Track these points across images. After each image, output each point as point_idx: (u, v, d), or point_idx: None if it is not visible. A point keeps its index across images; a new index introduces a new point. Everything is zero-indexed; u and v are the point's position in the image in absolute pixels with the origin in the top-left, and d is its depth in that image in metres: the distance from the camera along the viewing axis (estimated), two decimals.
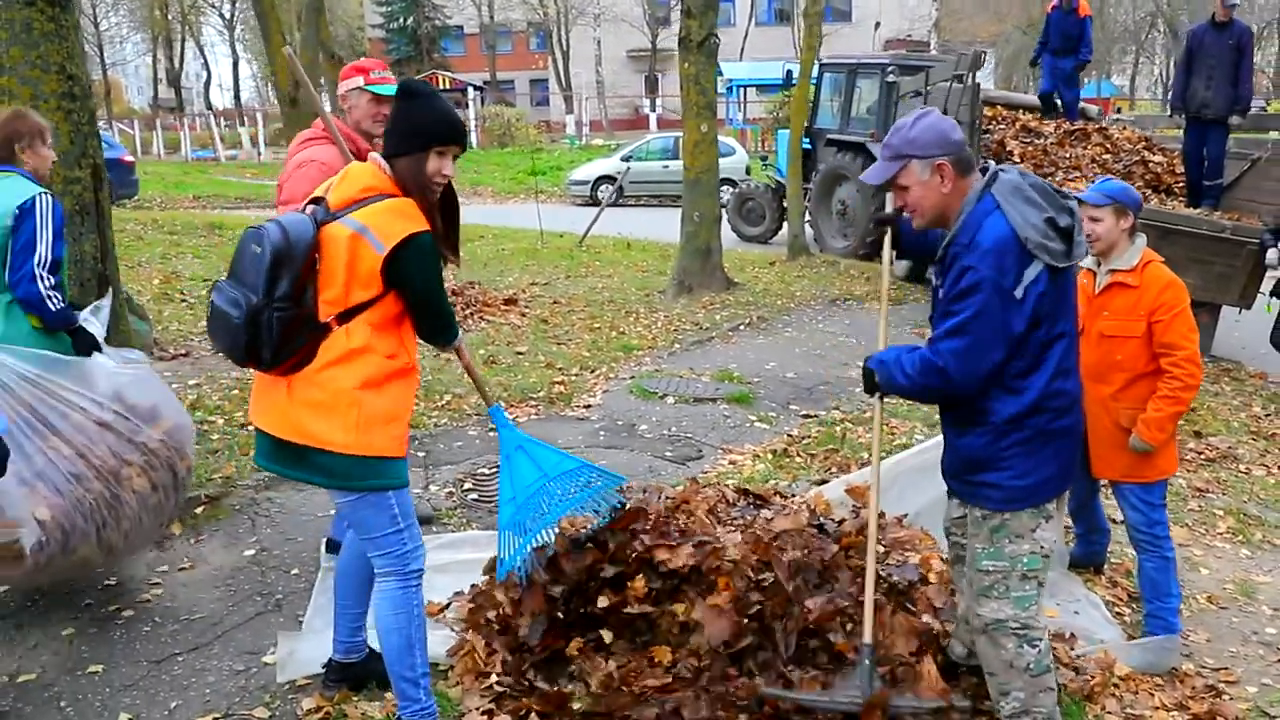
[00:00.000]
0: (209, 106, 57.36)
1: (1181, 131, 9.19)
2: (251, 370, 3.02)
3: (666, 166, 24.91)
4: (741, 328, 10.28)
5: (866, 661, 3.20)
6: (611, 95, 51.17)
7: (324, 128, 4.07)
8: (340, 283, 2.89)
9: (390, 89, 4.24)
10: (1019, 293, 2.78)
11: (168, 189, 24.74)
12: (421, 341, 3.20)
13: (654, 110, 47.18)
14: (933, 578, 4.00)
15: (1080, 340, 3.83)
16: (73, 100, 5.16)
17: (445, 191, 3.12)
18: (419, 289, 2.98)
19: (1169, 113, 9.61)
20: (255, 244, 2.87)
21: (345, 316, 2.92)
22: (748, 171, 23.87)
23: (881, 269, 3.68)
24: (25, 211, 3.81)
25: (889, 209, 3.58)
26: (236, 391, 6.97)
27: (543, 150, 34.17)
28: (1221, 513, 5.61)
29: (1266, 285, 8.27)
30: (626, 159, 25.21)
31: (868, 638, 3.23)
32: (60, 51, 5.07)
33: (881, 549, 4.07)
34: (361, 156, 4.37)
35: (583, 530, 3.78)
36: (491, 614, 3.69)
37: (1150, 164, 9.32)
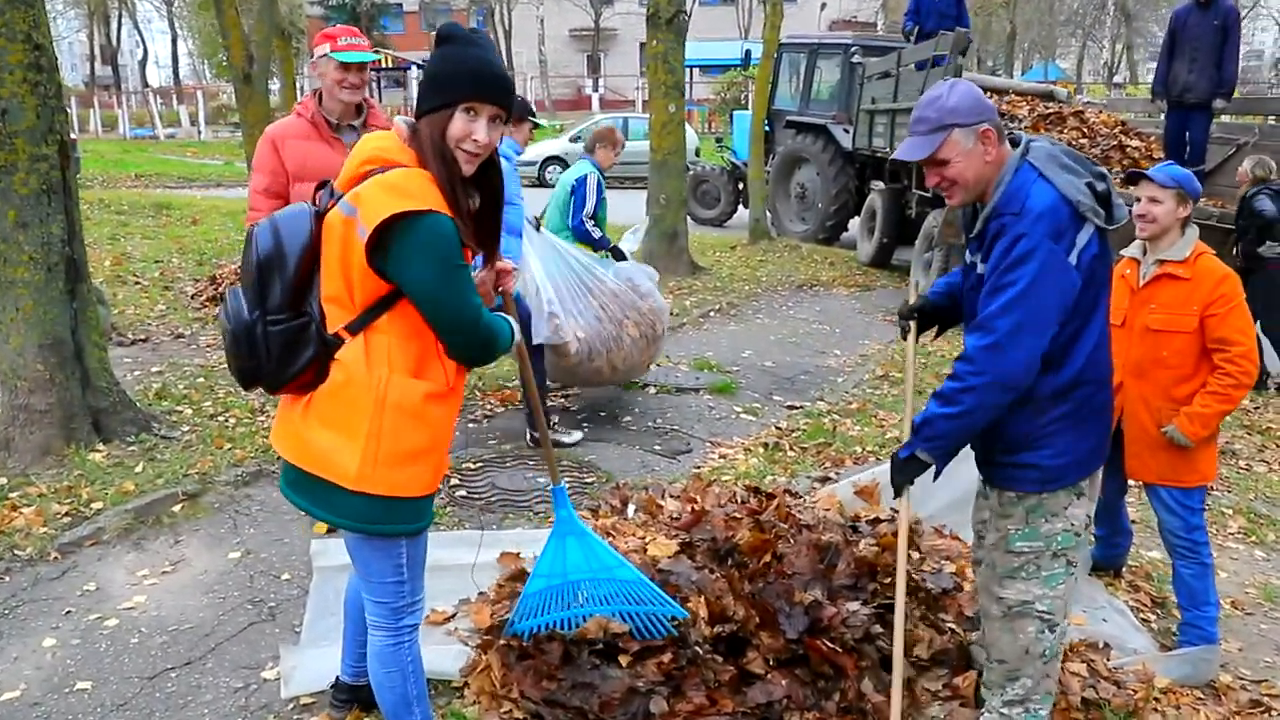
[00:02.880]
0: (146, 84, 55.80)
1: (1163, 116, 9.04)
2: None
3: None
4: (712, 314, 10.09)
5: None
6: (554, 75, 50.61)
7: (301, 101, 4.29)
8: (339, 283, 2.42)
9: (356, 56, 4.14)
10: (1073, 258, 2.63)
11: (108, 168, 23.90)
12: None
13: (597, 90, 46.69)
14: (968, 586, 3.86)
15: (1121, 334, 3.71)
16: (39, 72, 4.75)
17: (486, 167, 2.54)
18: (418, 287, 2.36)
19: (1151, 98, 9.43)
20: (249, 247, 2.49)
21: (357, 325, 2.43)
22: (697, 153, 23.66)
23: (905, 365, 3.51)
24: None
25: (912, 297, 3.45)
26: (202, 380, 6.66)
27: None
28: (1230, 512, 5.50)
29: None
30: (575, 139, 24.85)
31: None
32: (26, 19, 4.67)
33: (916, 555, 3.91)
34: (315, 123, 4.27)
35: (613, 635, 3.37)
36: (505, 640, 3.43)
37: (1128, 149, 9.20)
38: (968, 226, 2.91)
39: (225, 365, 6.84)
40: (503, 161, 5.39)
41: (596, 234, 6.59)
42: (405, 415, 2.44)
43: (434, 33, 2.57)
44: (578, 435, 6.20)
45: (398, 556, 2.61)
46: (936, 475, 2.94)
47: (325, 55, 4.09)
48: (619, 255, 6.67)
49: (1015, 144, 2.79)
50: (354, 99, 4.24)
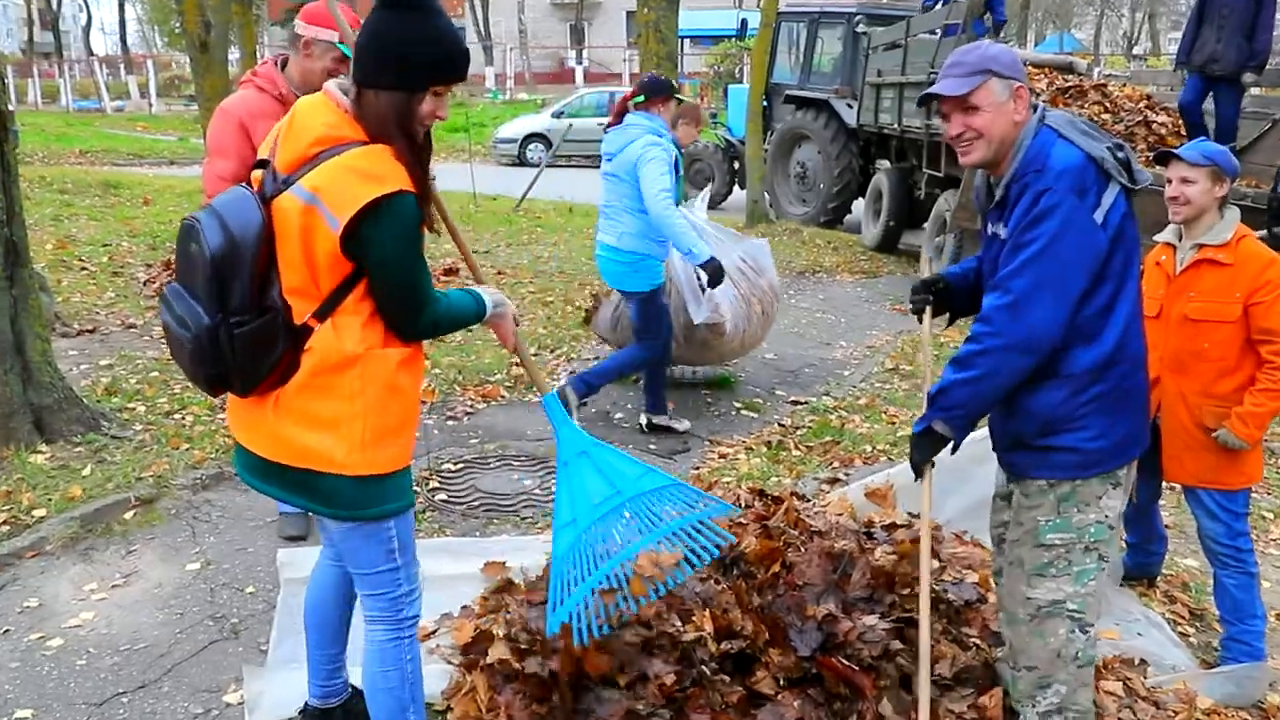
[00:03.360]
0: (90, 52, 55.31)
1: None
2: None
3: (602, 124, 24.43)
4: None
5: None
6: (534, 46, 50.34)
7: (254, 70, 4.11)
8: (302, 272, 2.41)
9: None
10: (1099, 216, 2.63)
11: (49, 142, 23.67)
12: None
13: (580, 63, 46.50)
14: (992, 597, 3.79)
15: (1157, 325, 3.65)
16: None
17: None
18: (387, 267, 2.40)
19: (1174, 68, 9.27)
20: (193, 242, 2.38)
21: (325, 311, 2.43)
22: None
23: (922, 341, 3.46)
24: None
25: (925, 272, 3.43)
26: (156, 374, 6.54)
27: (463, 105, 33.39)
28: (1272, 516, 5.45)
29: None
30: (558, 115, 24.74)
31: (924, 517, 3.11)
32: None
33: (937, 564, 3.84)
34: (285, 102, 3.95)
35: (667, 579, 3.15)
36: (494, 659, 3.34)
37: (1153, 125, 9.13)
38: (987, 197, 2.91)
39: None
40: (652, 138, 5.51)
41: None
42: (385, 389, 2.49)
43: None
44: (686, 424, 6.27)
45: (388, 541, 2.63)
46: (955, 449, 2.94)
47: (329, 43, 3.91)
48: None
49: (1034, 110, 2.82)
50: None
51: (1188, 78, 8.65)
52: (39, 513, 4.53)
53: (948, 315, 3.36)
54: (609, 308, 6.98)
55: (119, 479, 4.88)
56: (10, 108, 5.14)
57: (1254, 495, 5.52)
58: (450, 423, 6.22)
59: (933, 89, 2.81)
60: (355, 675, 3.14)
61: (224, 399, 2.68)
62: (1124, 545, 4.38)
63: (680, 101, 6.04)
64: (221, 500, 4.86)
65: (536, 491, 5.23)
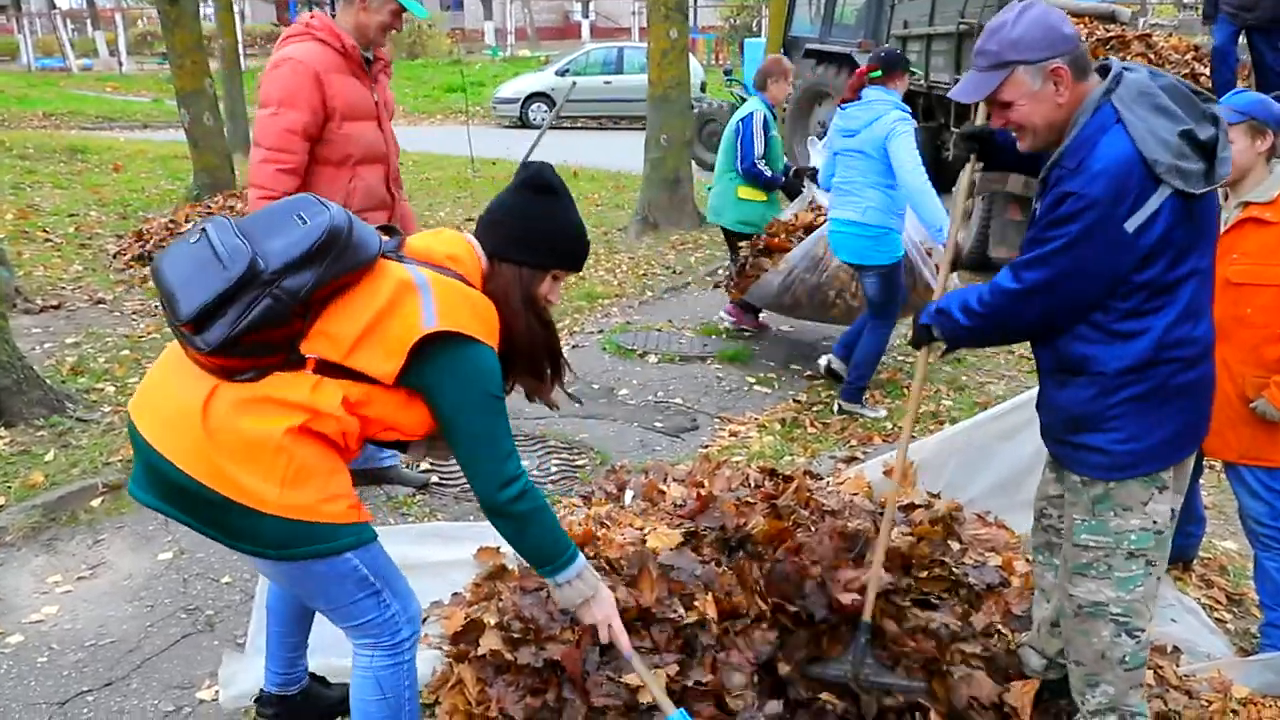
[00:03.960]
0: (53, 5, 55.20)
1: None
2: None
3: (609, 83, 24.56)
4: (720, 272, 10.01)
5: (863, 639, 3.26)
6: (537, 0, 50.27)
7: (307, 22, 4.23)
8: (356, 326, 2.40)
9: (419, 8, 4.37)
10: (1132, 225, 2.54)
11: (9, 104, 23.71)
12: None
13: (586, 17, 46.40)
14: (1015, 581, 3.81)
15: None
16: None
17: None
18: (458, 408, 2.47)
19: (1201, 19, 9.09)
20: (302, 217, 2.40)
21: (329, 370, 2.43)
22: (703, 89, 23.50)
23: (955, 199, 3.44)
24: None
25: (979, 120, 3.36)
26: (127, 352, 6.59)
27: (461, 63, 33.38)
28: None
29: None
30: (562, 73, 24.68)
31: (866, 616, 3.29)
32: None
33: (958, 546, 3.86)
34: (350, 56, 4.23)
35: None
36: (484, 650, 3.37)
37: (1200, 78, 9.07)
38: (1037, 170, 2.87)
39: (154, 335, 6.94)
40: (900, 114, 5.87)
41: (769, 173, 7.29)
42: (312, 442, 2.43)
43: (536, 179, 2.72)
44: (882, 411, 6.35)
45: (354, 571, 2.55)
46: (945, 354, 3.25)
47: None
48: (795, 189, 7.58)
49: (1106, 72, 2.69)
50: (384, 40, 4.42)
51: (1218, 26, 8.50)
52: None
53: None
54: (778, 276, 6.99)
55: (85, 464, 4.92)
56: None
57: None
58: None
59: (954, 93, 2.80)
60: (313, 663, 3.22)
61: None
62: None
63: (914, 74, 6.38)
64: None
65: (534, 472, 5.26)
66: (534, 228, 2.66)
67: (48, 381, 5.60)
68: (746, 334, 7.94)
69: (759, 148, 7.24)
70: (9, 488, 4.67)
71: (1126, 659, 2.89)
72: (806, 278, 6.72)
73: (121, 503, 4.70)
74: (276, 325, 2.33)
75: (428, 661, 3.48)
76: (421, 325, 2.38)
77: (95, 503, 4.68)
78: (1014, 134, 2.82)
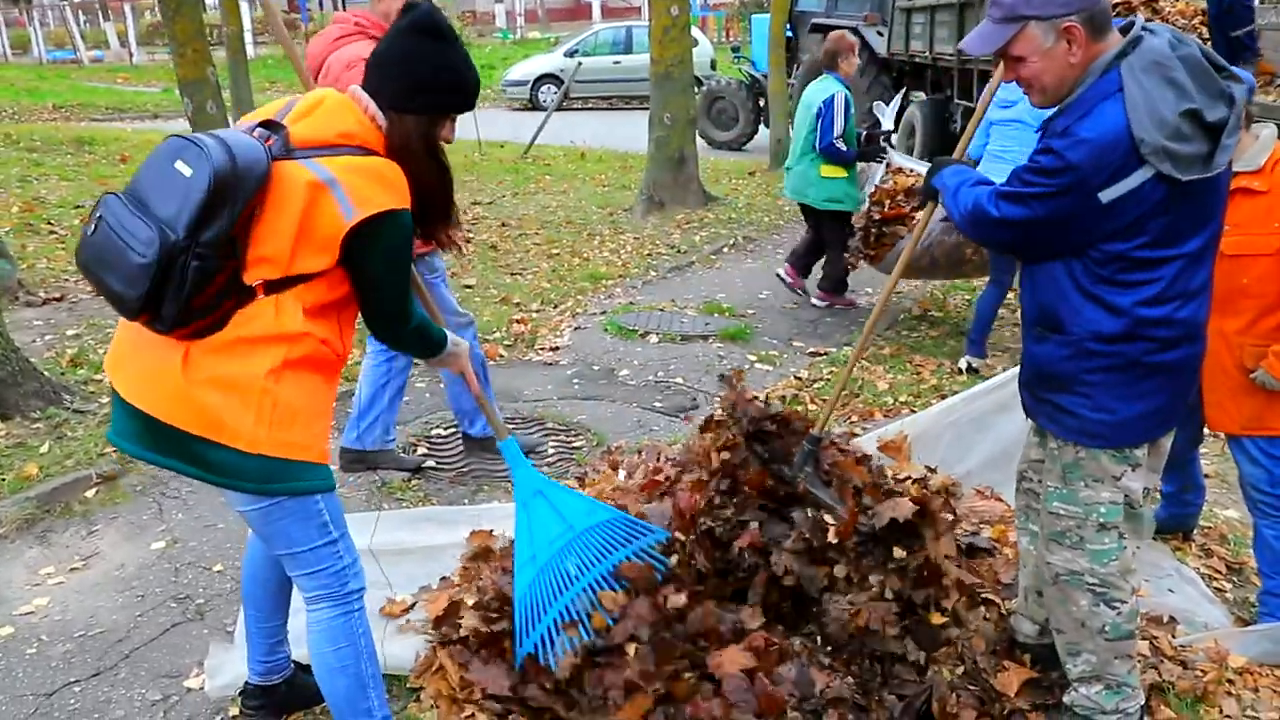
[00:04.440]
0: None
1: None
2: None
3: (618, 63, 24.46)
4: (725, 250, 10.00)
5: (808, 447, 3.48)
6: None
7: (354, 20, 4.41)
8: (286, 241, 2.45)
9: None
10: (1107, 196, 2.53)
11: (19, 97, 23.77)
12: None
13: None
14: (1008, 551, 3.80)
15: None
16: None
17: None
18: (380, 274, 2.61)
19: None
20: (184, 163, 2.37)
21: (277, 286, 2.48)
22: (713, 66, 23.40)
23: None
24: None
25: (993, 82, 3.20)
26: None
27: (470, 45, 33.25)
28: None
29: None
30: (571, 54, 24.59)
31: (817, 430, 3.53)
32: None
33: (950, 518, 3.84)
34: None
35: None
36: (465, 630, 3.36)
37: (1208, 42, 8.98)
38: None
39: None
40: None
41: (847, 151, 7.52)
42: (302, 376, 2.56)
43: (424, 21, 2.70)
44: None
45: (318, 515, 2.66)
46: None
47: None
48: (872, 154, 7.65)
49: (1128, 31, 2.63)
50: None
51: None
52: None
53: None
54: (917, 241, 7.01)
55: (80, 455, 4.91)
56: None
57: None
58: (443, 385, 6.22)
59: (963, 43, 2.78)
60: (298, 651, 3.21)
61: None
62: (1158, 496, 4.32)
63: None
64: None
65: (530, 455, 5.23)
66: (426, 73, 2.68)
67: (45, 373, 5.60)
68: (749, 311, 7.90)
69: (838, 128, 7.40)
70: (3, 480, 4.67)
71: (1107, 629, 2.90)
72: (945, 239, 6.80)
73: (116, 493, 4.70)
74: (214, 275, 2.39)
75: (412, 646, 3.47)
76: (343, 220, 2.46)
77: (89, 493, 4.67)
78: (1025, 91, 2.78)
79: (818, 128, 7.44)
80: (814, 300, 8.14)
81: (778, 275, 8.29)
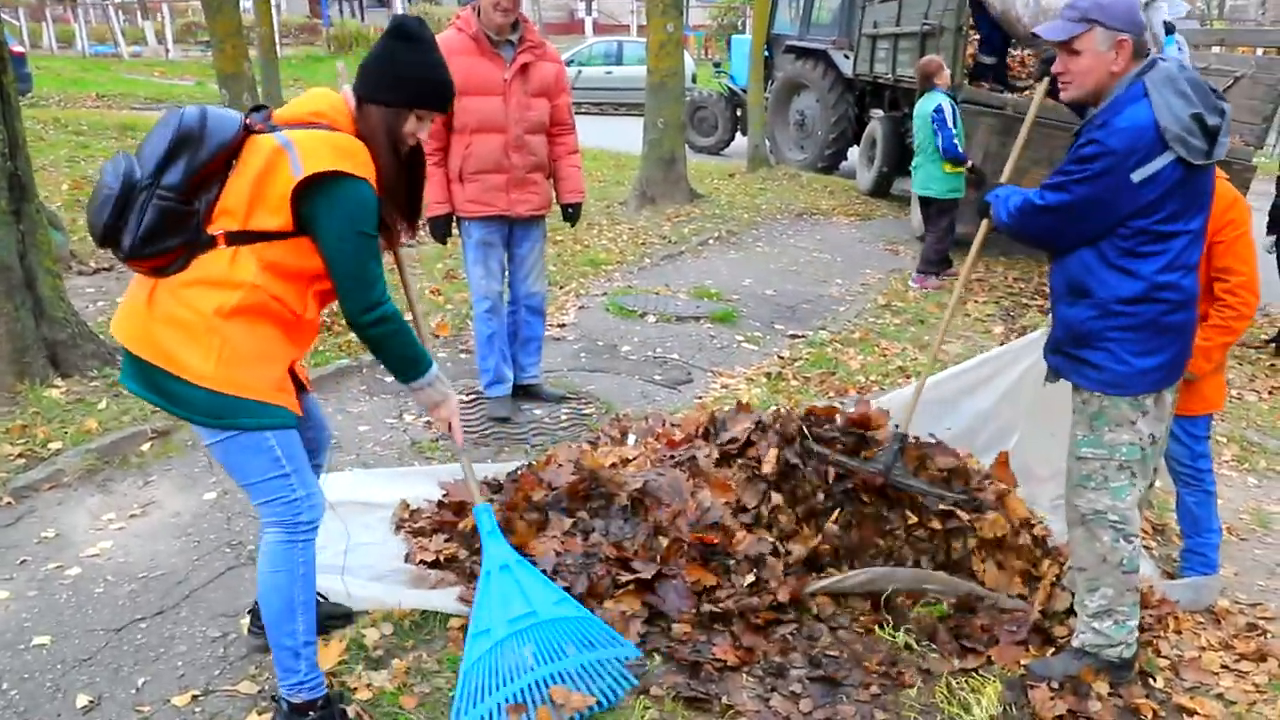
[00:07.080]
0: None
1: None
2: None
3: (610, 72, 24.34)
4: (711, 241, 9.90)
5: (896, 446, 3.63)
6: None
7: (456, 14, 4.68)
8: (243, 197, 2.52)
9: None
10: (1138, 176, 2.77)
11: (65, 86, 23.18)
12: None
13: (590, 14, 45.79)
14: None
15: None
16: None
17: (410, 151, 2.82)
18: (331, 241, 2.55)
19: None
20: (166, 121, 2.51)
21: (237, 238, 2.53)
22: (693, 80, 23.24)
23: (1030, 109, 3.41)
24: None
25: (1038, 94, 3.42)
26: None
27: None
28: (1225, 440, 5.54)
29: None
30: (568, 63, 24.34)
31: (904, 428, 3.70)
32: None
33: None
34: (477, 40, 4.64)
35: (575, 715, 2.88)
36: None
37: None
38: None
39: None
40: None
41: (964, 153, 8.16)
42: (251, 325, 2.55)
43: (394, 25, 2.75)
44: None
45: (270, 450, 2.62)
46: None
47: None
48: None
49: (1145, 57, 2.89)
50: (508, 20, 4.64)
51: None
52: (55, 446, 4.42)
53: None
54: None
55: (135, 412, 4.76)
56: (18, 48, 4.96)
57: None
58: (463, 355, 6.11)
59: (1038, 29, 2.95)
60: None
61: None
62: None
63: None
64: None
65: (546, 420, 5.13)
66: (396, 70, 2.69)
67: (100, 336, 5.43)
68: (735, 297, 7.81)
69: (952, 129, 7.96)
70: (65, 433, 4.52)
71: (1124, 562, 3.07)
72: None
73: (170, 447, 4.56)
74: (174, 218, 2.46)
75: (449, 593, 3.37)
76: (292, 176, 2.48)
77: (145, 447, 4.53)
78: (1061, 84, 2.99)
79: (937, 134, 7.95)
80: (912, 285, 8.50)
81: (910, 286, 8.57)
